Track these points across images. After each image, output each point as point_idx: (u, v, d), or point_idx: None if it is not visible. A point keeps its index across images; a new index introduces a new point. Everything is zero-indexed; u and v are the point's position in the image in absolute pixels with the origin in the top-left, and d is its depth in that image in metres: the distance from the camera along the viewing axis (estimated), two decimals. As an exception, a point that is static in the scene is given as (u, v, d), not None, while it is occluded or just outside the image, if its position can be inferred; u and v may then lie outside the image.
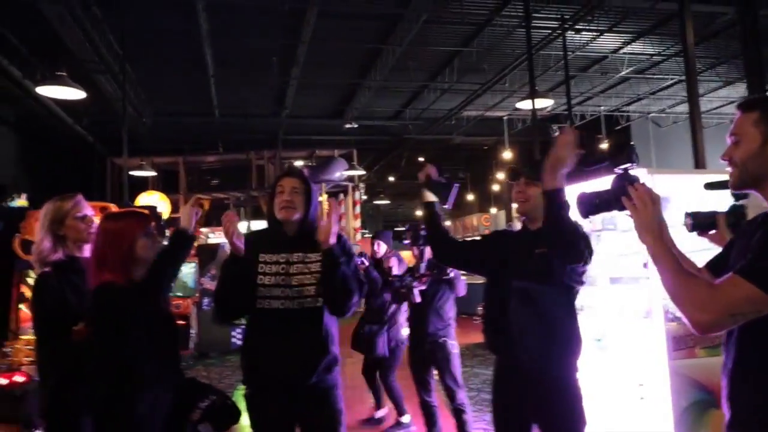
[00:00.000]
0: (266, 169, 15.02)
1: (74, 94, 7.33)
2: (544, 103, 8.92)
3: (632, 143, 1.66)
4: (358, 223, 15.52)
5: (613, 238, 2.92)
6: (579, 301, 3.27)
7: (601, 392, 2.82)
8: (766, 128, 1.33)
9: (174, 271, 2.10)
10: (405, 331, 4.30)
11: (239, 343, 5.45)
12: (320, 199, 7.65)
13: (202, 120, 13.34)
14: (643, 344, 2.65)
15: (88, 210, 2.34)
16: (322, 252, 2.08)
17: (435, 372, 3.76)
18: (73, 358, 2.07)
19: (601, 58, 10.55)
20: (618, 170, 1.57)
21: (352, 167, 13.78)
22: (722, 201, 2.84)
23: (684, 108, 12.54)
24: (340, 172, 12.71)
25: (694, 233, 1.98)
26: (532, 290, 2.11)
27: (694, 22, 6.10)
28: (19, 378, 3.06)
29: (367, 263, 4.14)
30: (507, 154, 14.21)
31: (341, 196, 15.00)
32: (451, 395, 3.62)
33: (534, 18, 8.04)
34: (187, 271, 7.73)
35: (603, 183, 1.61)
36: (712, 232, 1.48)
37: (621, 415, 2.74)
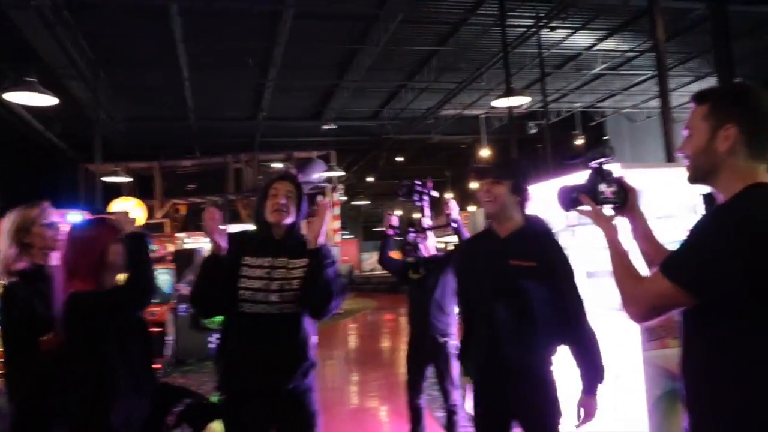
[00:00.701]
0: (244, 173, 14.92)
1: (45, 100, 7.19)
2: (520, 101, 8.98)
3: (606, 138, 1.68)
4: (337, 224, 15.48)
5: (589, 233, 2.95)
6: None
7: (576, 383, 2.86)
8: (714, 122, 1.29)
9: (151, 274, 2.05)
10: None
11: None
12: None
13: (177, 124, 13.21)
14: (618, 336, 2.68)
15: (56, 217, 2.30)
16: (309, 252, 2.06)
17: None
18: (42, 368, 2.03)
19: (575, 55, 10.65)
20: (593, 165, 1.59)
21: (330, 168, 13.74)
22: (696, 193, 2.90)
23: (656, 103, 12.72)
24: (319, 174, 12.68)
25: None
26: (512, 290, 2.07)
27: (666, 17, 6.19)
28: None
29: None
30: (485, 152, 14.29)
31: (320, 197, 14.96)
32: (446, 395, 3.59)
33: (509, 16, 8.09)
34: (163, 277, 7.63)
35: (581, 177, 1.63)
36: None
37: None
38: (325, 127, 13.56)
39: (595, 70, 11.20)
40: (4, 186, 11.21)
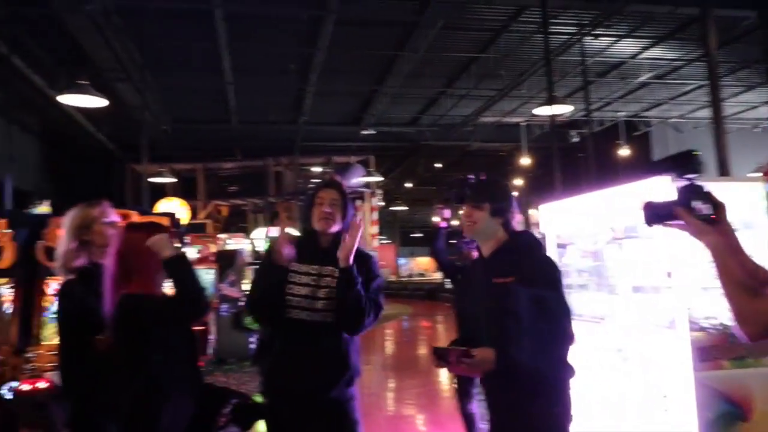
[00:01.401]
0: (284, 176, 15.12)
1: (96, 102, 7.44)
2: (562, 110, 8.87)
3: (696, 152, 1.62)
4: (375, 230, 15.53)
5: (636, 246, 2.88)
6: (599, 311, 3.24)
7: (623, 403, 2.78)
8: None
9: (200, 293, 2.03)
10: None
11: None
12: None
13: (219, 126, 13.46)
14: (667, 355, 2.59)
15: (115, 216, 2.36)
16: (339, 270, 2.07)
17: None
18: (96, 366, 2.08)
19: (619, 63, 10.46)
20: (684, 180, 1.54)
21: (369, 174, 13.80)
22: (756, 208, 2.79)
23: (704, 113, 12.38)
24: (358, 179, 12.74)
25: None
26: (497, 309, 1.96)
27: (716, 26, 6.04)
28: (42, 384, 3.09)
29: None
30: (525, 161, 14.14)
31: (358, 202, 15.05)
32: None
33: (551, 24, 8.00)
34: (206, 277, 7.77)
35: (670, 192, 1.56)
36: (675, 222, 1.45)
37: (644, 427, 2.70)
38: (365, 132, 13.63)
39: (641, 79, 10.97)
40: (58, 185, 11.63)
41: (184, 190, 14.16)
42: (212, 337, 7.50)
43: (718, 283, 1.34)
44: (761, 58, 9.24)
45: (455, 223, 3.61)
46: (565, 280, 2.75)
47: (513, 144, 14.98)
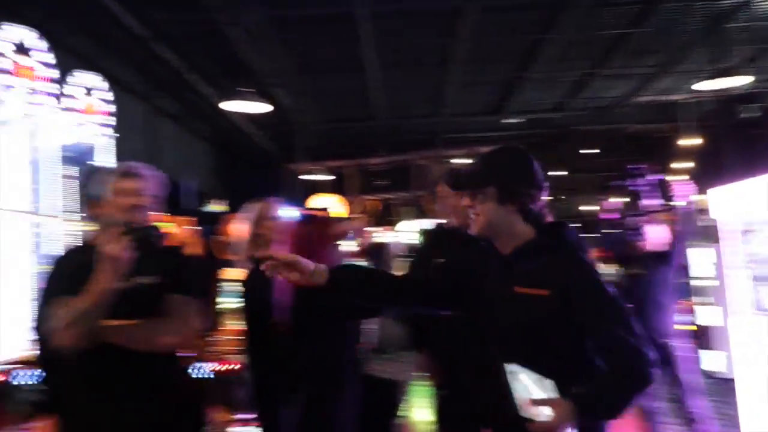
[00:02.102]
0: (427, 169, 15.27)
1: (258, 107, 8.10)
2: (736, 82, 7.96)
3: None
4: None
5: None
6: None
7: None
8: None
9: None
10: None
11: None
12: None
13: (365, 124, 13.92)
14: None
15: (282, 212, 2.59)
16: None
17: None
18: (275, 350, 2.29)
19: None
20: None
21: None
22: None
23: None
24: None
25: None
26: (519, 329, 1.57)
27: None
28: (233, 366, 3.40)
29: None
30: (689, 141, 12.99)
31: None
32: (679, 401, 3.36)
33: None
34: (361, 268, 8.09)
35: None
36: None
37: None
38: (509, 120, 13.34)
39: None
40: (227, 186, 12.81)
41: (338, 186, 14.85)
42: (374, 326, 7.85)
43: None
44: None
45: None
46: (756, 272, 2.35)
47: (672, 124, 13.83)
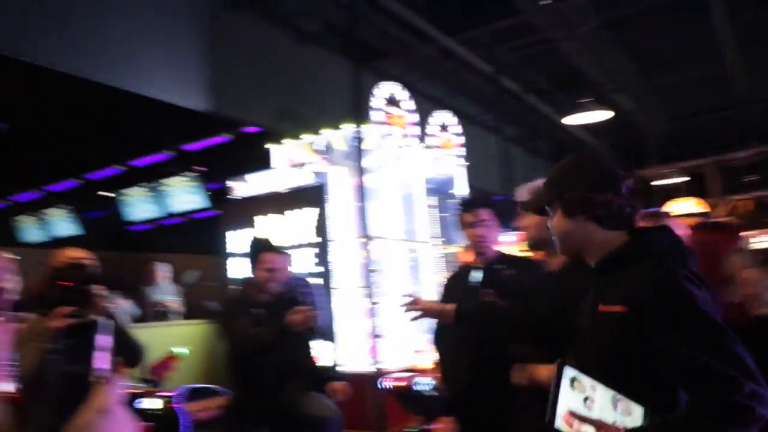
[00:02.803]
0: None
1: (599, 116, 7.85)
2: None
3: None
4: None
5: None
6: None
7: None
8: None
9: None
10: None
11: None
12: None
13: (723, 114, 12.17)
14: None
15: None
16: None
17: None
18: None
19: None
20: None
21: None
22: None
23: None
24: None
25: None
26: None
27: None
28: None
29: None
30: None
31: None
32: None
33: None
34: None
35: None
36: None
37: None
38: None
39: None
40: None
41: (693, 188, 13.33)
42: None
43: None
44: None
45: None
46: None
47: None
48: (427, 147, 6.12)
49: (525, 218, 2.03)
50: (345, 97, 6.18)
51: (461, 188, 6.64)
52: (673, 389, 1.33)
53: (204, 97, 6.09)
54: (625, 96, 10.38)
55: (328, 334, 4.17)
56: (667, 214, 2.70)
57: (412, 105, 5.91)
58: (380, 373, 4.58)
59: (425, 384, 3.91)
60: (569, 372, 1.33)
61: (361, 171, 4.94)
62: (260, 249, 3.29)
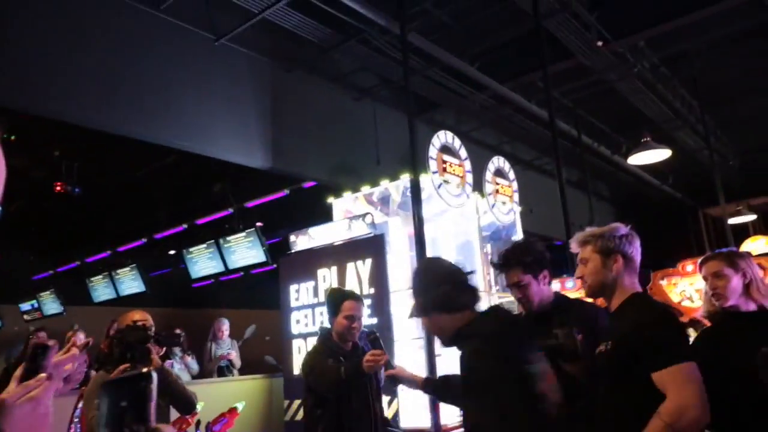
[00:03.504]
0: None
1: (659, 155, 7.61)
2: None
3: None
4: None
5: None
6: None
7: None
8: None
9: None
10: None
11: None
12: None
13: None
14: None
15: None
16: None
17: None
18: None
19: None
20: None
21: None
22: None
23: None
24: None
25: None
26: None
27: None
28: None
29: None
30: None
31: None
32: None
33: None
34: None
35: None
36: None
37: None
38: None
39: None
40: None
41: (767, 225, 12.64)
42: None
43: None
44: None
45: None
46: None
47: None
48: (484, 194, 6.05)
49: (580, 267, 2.09)
50: (400, 148, 6.24)
51: (519, 235, 6.51)
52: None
53: (265, 155, 6.28)
54: (689, 133, 10.07)
55: (387, 387, 4.07)
56: (746, 254, 2.53)
57: (467, 153, 5.90)
58: (440, 429, 4.41)
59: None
60: None
61: (418, 221, 4.92)
62: (341, 297, 3.40)
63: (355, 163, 7.11)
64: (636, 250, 2.12)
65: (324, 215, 6.03)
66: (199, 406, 3.23)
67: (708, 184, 9.13)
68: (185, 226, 9.60)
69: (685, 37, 7.20)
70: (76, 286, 10.85)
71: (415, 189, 4.97)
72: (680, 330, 1.95)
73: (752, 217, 10.93)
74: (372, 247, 5.13)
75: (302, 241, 5.76)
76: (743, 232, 11.91)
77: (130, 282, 9.86)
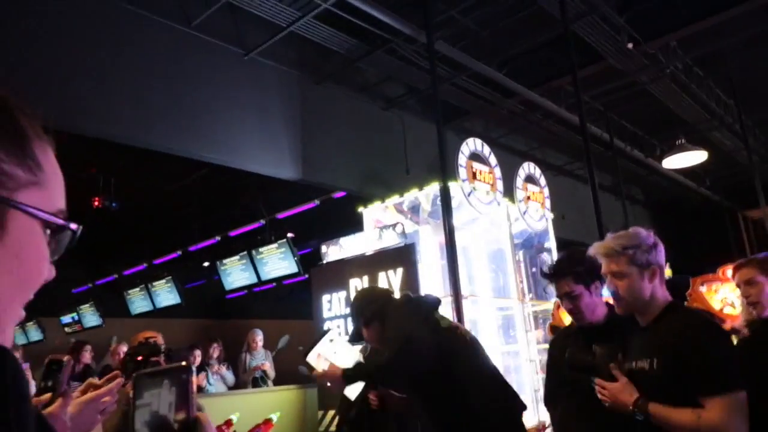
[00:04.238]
0: None
1: (696, 158, 7.43)
2: None
3: None
4: None
5: None
6: None
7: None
8: None
9: None
10: None
11: None
12: None
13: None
14: None
15: None
16: None
17: None
18: None
19: None
20: None
21: None
22: None
23: None
24: None
25: None
26: None
27: None
28: None
29: None
30: None
31: None
32: None
33: None
34: None
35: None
36: None
37: None
38: None
39: None
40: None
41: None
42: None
43: None
44: None
45: None
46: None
47: None
48: (515, 201, 5.99)
49: (614, 281, 1.95)
50: (430, 156, 6.24)
51: (552, 242, 6.42)
52: None
53: (294, 166, 6.34)
54: (725, 134, 9.83)
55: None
56: None
57: (496, 160, 5.87)
58: None
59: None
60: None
61: (449, 229, 4.90)
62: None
63: (385, 173, 7.12)
64: (663, 257, 1.99)
65: (354, 225, 6.05)
66: (234, 417, 3.25)
67: (747, 186, 8.89)
68: (218, 238, 9.73)
69: (719, 36, 7.03)
70: (114, 298, 11.08)
71: (445, 197, 4.95)
72: (732, 348, 1.86)
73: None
74: (403, 256, 5.12)
75: (333, 251, 5.78)
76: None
77: (166, 294, 10.02)
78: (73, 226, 0.62)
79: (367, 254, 5.44)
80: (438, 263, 5.44)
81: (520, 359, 5.56)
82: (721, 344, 1.80)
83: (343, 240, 5.73)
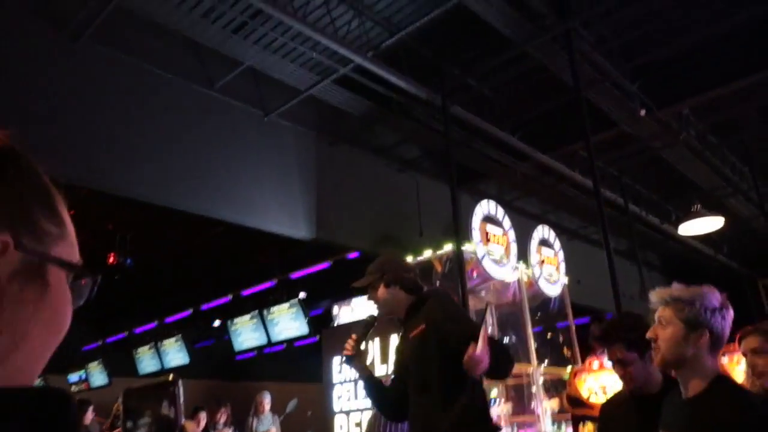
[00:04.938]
0: None
1: (713, 224, 7.36)
2: None
3: None
4: None
5: None
6: None
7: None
8: None
9: None
10: None
11: None
12: None
13: None
14: None
15: None
16: None
17: None
18: None
19: None
20: None
21: None
22: None
23: None
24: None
25: None
26: None
27: None
28: None
29: None
30: None
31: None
32: None
33: None
34: None
35: None
36: None
37: None
38: None
39: None
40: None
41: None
42: None
43: None
44: None
45: None
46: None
47: None
48: (529, 265, 5.93)
49: (656, 327, 1.78)
50: (443, 218, 6.24)
51: (567, 305, 6.31)
52: None
53: (309, 226, 6.37)
54: (741, 200, 9.77)
55: None
56: None
57: (510, 223, 5.85)
58: None
59: None
60: None
61: (462, 291, 4.83)
62: None
63: (398, 234, 7.12)
64: (727, 326, 1.80)
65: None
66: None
67: (765, 253, 8.76)
68: (230, 296, 9.69)
69: (732, 104, 7.10)
70: (122, 357, 10.96)
71: (459, 259, 4.91)
72: None
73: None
74: (416, 318, 5.03)
75: (345, 312, 5.72)
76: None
77: (175, 353, 9.90)
78: (96, 275, 0.64)
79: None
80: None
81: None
82: None
83: (354, 301, 5.66)
